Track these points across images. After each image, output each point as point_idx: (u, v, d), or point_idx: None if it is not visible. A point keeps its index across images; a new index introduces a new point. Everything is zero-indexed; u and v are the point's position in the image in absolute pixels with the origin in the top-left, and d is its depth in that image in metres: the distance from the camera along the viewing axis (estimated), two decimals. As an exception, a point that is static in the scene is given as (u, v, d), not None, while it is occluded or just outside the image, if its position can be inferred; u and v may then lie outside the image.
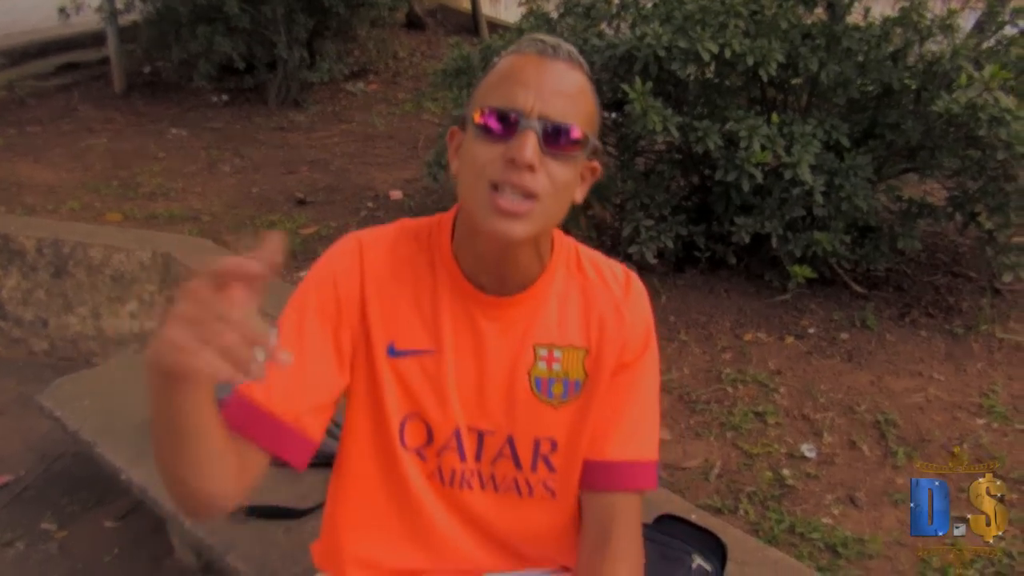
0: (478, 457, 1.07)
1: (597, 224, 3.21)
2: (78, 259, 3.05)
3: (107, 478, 2.11)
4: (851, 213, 2.81)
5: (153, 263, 3.02)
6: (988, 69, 2.52)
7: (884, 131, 2.91)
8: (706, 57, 2.70)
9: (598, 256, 1.10)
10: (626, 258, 2.94)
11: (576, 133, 0.91)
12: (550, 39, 0.95)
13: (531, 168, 0.88)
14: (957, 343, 2.80)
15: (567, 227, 1.32)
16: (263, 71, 5.31)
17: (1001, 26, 2.90)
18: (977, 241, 3.05)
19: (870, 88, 2.99)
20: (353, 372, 1.03)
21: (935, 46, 2.83)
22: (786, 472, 2.27)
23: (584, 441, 1.06)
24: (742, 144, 2.69)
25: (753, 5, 2.78)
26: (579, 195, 0.99)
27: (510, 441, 1.06)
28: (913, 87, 2.81)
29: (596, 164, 1.00)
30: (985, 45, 2.87)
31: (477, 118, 0.91)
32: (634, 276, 1.09)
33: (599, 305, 1.05)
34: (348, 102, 5.50)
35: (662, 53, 2.72)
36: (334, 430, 1.07)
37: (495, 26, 6.53)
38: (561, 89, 0.92)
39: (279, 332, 0.99)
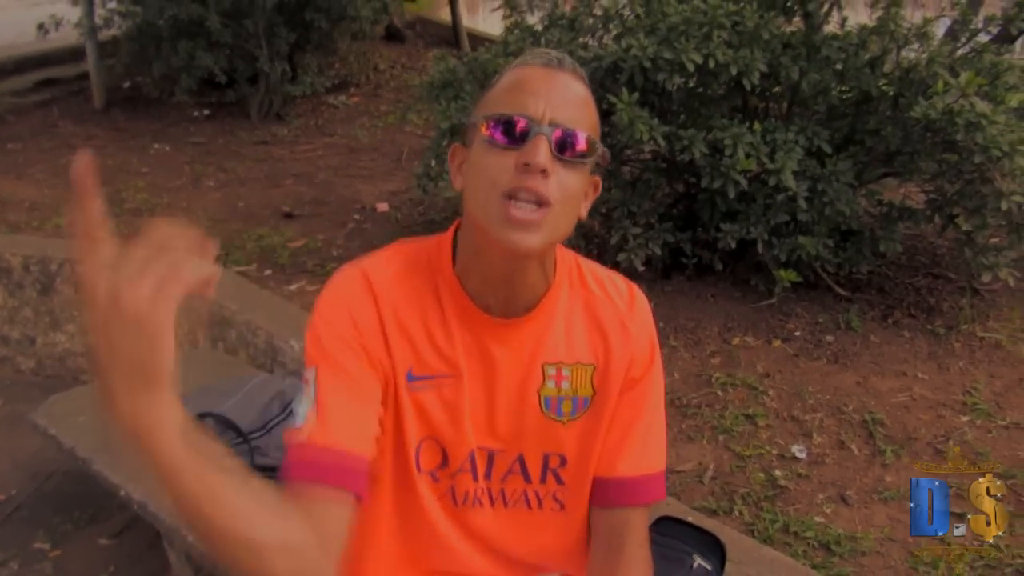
0: (488, 475, 1.07)
1: (585, 232, 3.24)
2: (65, 276, 3.02)
3: (100, 496, 2.09)
4: (834, 217, 2.87)
5: (141, 279, 2.99)
6: (964, 76, 2.59)
7: (864, 137, 2.96)
8: (690, 67, 2.74)
9: (599, 269, 1.10)
10: (614, 266, 2.96)
11: (585, 140, 0.92)
12: (554, 52, 0.97)
13: (545, 173, 0.88)
14: (939, 343, 2.86)
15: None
16: (245, 85, 5.30)
17: (975, 34, 2.97)
18: (956, 243, 3.13)
19: (849, 95, 3.05)
20: (383, 401, 1.01)
21: (911, 53, 2.90)
22: (778, 473, 2.31)
23: (593, 456, 1.06)
24: (727, 152, 2.73)
25: (735, 16, 2.83)
26: (584, 210, 0.98)
27: (520, 458, 1.07)
28: (891, 94, 2.88)
29: (598, 179, 1.00)
30: (960, 52, 2.94)
31: (485, 129, 0.91)
32: (637, 289, 1.10)
33: (605, 321, 1.05)
34: (331, 115, 5.50)
35: (648, 64, 2.77)
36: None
37: (474, 38, 6.56)
38: (569, 99, 0.93)
39: (316, 387, 0.94)
